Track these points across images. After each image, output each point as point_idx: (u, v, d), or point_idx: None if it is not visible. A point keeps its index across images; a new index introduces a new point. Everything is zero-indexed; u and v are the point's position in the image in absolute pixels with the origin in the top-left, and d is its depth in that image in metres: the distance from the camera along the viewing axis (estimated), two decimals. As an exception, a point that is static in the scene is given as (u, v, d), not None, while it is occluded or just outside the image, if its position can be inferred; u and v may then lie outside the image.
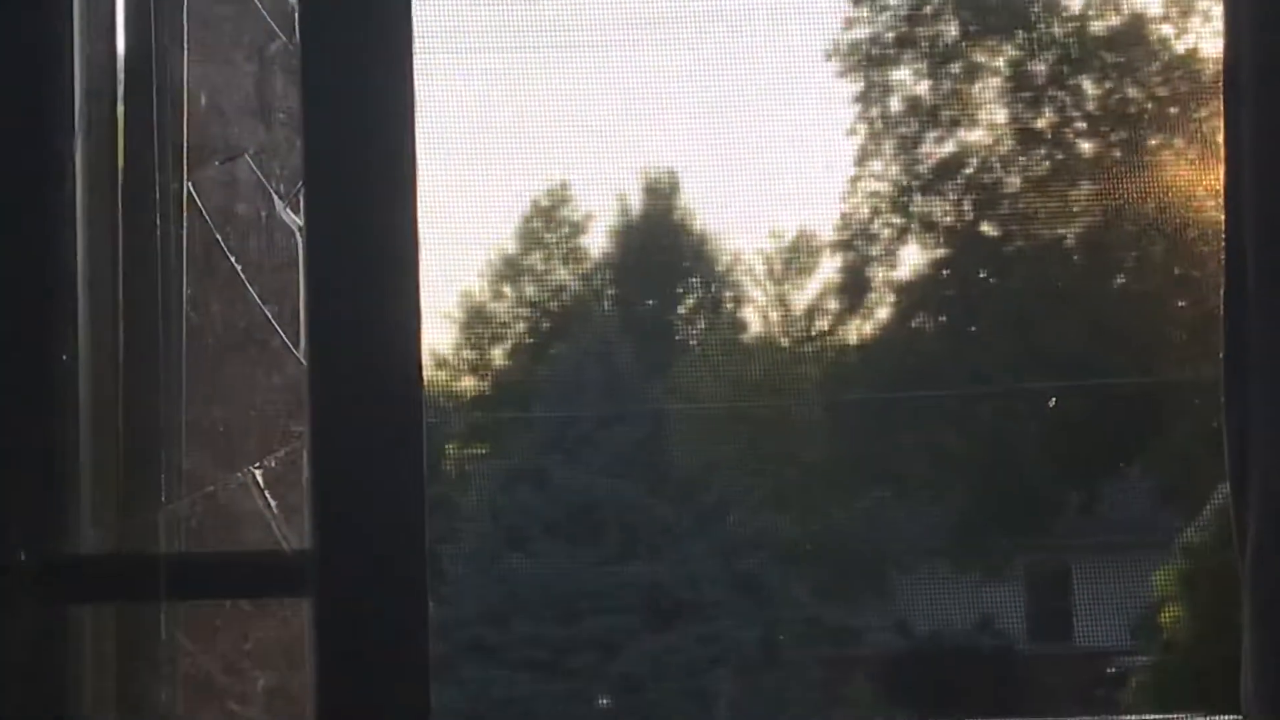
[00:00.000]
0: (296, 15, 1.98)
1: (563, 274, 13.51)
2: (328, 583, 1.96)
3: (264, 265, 2.02)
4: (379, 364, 1.97)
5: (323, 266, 1.99)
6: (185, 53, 2.04)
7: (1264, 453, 1.37)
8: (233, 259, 2.03)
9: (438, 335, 12.01)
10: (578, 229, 13.32)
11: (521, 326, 12.97)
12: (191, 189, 2.03)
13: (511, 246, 13.15)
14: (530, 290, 13.12)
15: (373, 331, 1.97)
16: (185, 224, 2.03)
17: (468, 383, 12.33)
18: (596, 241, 13.83)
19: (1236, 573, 1.43)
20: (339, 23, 1.93)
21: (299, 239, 1.98)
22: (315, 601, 1.96)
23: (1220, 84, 1.49)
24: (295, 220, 2.00)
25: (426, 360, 2.03)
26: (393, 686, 1.93)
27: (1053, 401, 12.50)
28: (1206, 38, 13.14)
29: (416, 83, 2.00)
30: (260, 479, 2.06)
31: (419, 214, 2.00)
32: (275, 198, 2.04)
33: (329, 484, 1.98)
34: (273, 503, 2.05)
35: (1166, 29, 13.10)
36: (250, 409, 2.03)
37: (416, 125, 2.03)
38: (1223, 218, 1.52)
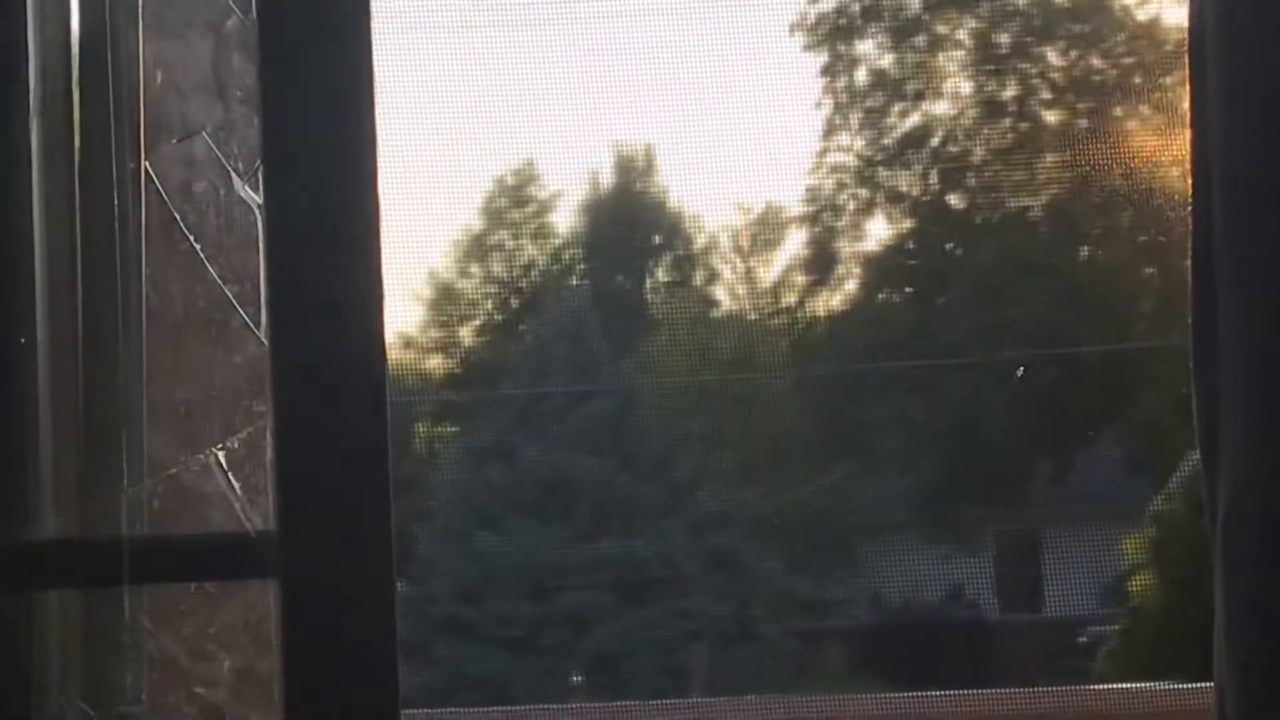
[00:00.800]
0: (254, -9, 1.96)
1: (531, 251, 13.49)
2: (293, 564, 1.94)
3: (223, 244, 2.00)
4: (342, 342, 1.95)
5: (283, 244, 1.97)
6: (141, 30, 2.01)
7: (1234, 418, 1.35)
8: (191, 238, 2.01)
9: (406, 315, 11.99)
10: (546, 206, 13.31)
11: (490, 305, 12.96)
12: (149, 168, 2.01)
13: (479, 224, 13.13)
14: (498, 268, 13.10)
15: (335, 309, 1.95)
16: (143, 203, 2.01)
17: (436, 362, 12.32)
18: (565, 218, 13.82)
19: (1208, 540, 1.42)
20: (296, -2, 1.91)
21: (258, 217, 1.96)
22: (281, 583, 1.94)
23: (1185, 51, 1.47)
24: (254, 198, 1.98)
25: (394, 340, 2.02)
26: (361, 667, 1.92)
27: (1020, 371, 12.52)
28: (1169, 5, 13.16)
29: (380, 60, 1.99)
30: (223, 460, 2.04)
31: (380, 191, 1.98)
32: (234, 175, 2.02)
33: (293, 464, 1.96)
34: (236, 484, 2.03)
35: (1130, -2, 13.12)
36: (211, 389, 2.01)
37: (377, 101, 2.00)
38: (1189, 183, 1.51)
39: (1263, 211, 1.38)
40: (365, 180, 1.96)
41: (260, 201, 1.98)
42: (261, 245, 1.98)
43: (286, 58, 1.95)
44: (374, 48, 1.97)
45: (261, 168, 1.98)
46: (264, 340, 1.98)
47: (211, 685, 2.03)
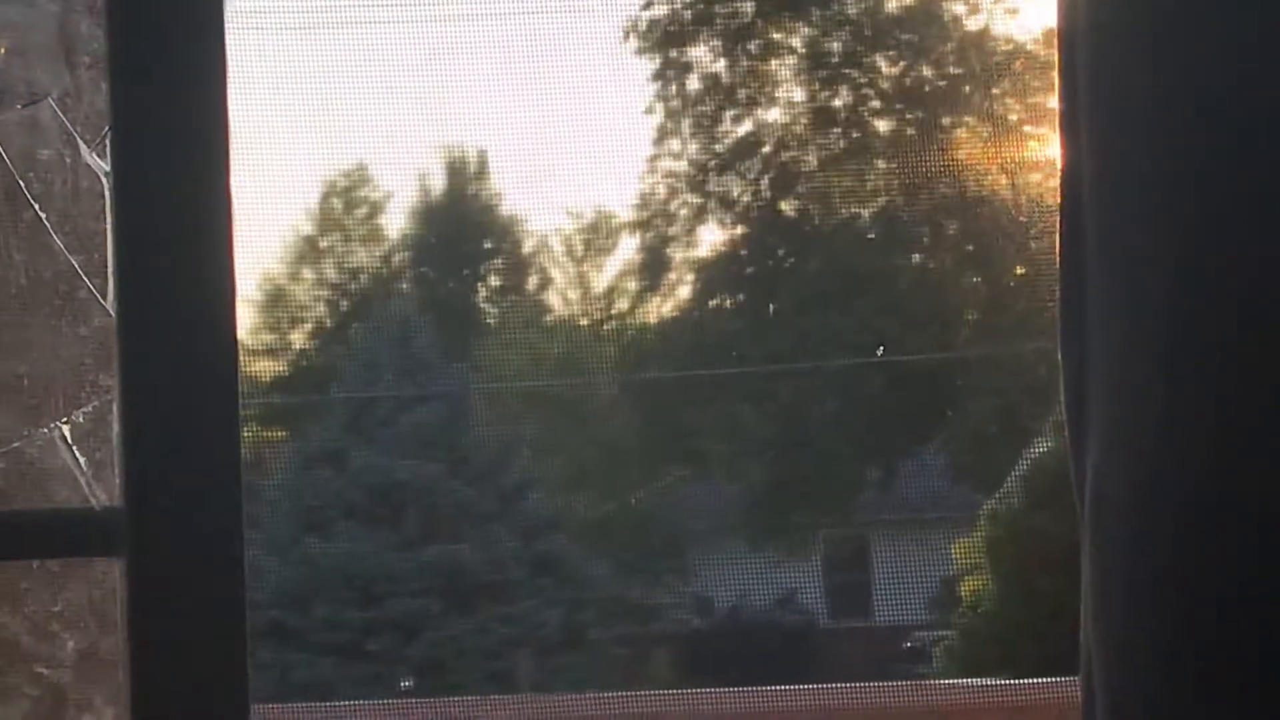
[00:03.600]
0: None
1: (362, 255, 13.40)
2: (140, 542, 1.89)
3: (69, 213, 1.95)
4: (192, 316, 1.90)
5: (132, 215, 1.92)
6: (-16, -6, 1.96)
7: (1101, 397, 1.34)
8: (36, 207, 1.95)
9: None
10: (377, 209, 13.22)
11: (321, 308, 12.85)
12: (-8, 134, 1.95)
13: (311, 227, 13.01)
14: (330, 272, 13.00)
15: (185, 282, 1.90)
16: (-14, 170, 1.95)
17: (265, 365, 12.18)
18: (396, 222, 13.73)
19: (1077, 520, 1.40)
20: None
21: (106, 185, 1.91)
22: (127, 561, 1.89)
23: (1055, 48, 1.46)
24: (102, 166, 1.93)
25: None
26: (209, 648, 1.87)
27: (880, 350, 12.58)
28: (999, 16, 13.30)
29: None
30: (68, 434, 1.98)
31: (232, 162, 1.94)
32: (80, 143, 1.96)
33: (140, 440, 1.91)
34: (81, 459, 1.98)
35: (959, 7, 13.24)
36: (56, 361, 1.95)
37: (229, 74, 1.96)
38: (1060, 178, 1.50)
39: (1132, 206, 1.37)
40: (217, 150, 1.92)
41: (108, 170, 1.93)
42: (109, 215, 1.93)
43: (136, 22, 1.91)
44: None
45: (110, 135, 1.93)
46: (110, 312, 1.92)
47: (55, 665, 1.97)
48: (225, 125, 1.93)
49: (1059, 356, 1.46)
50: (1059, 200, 1.45)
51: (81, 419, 1.97)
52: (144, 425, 1.91)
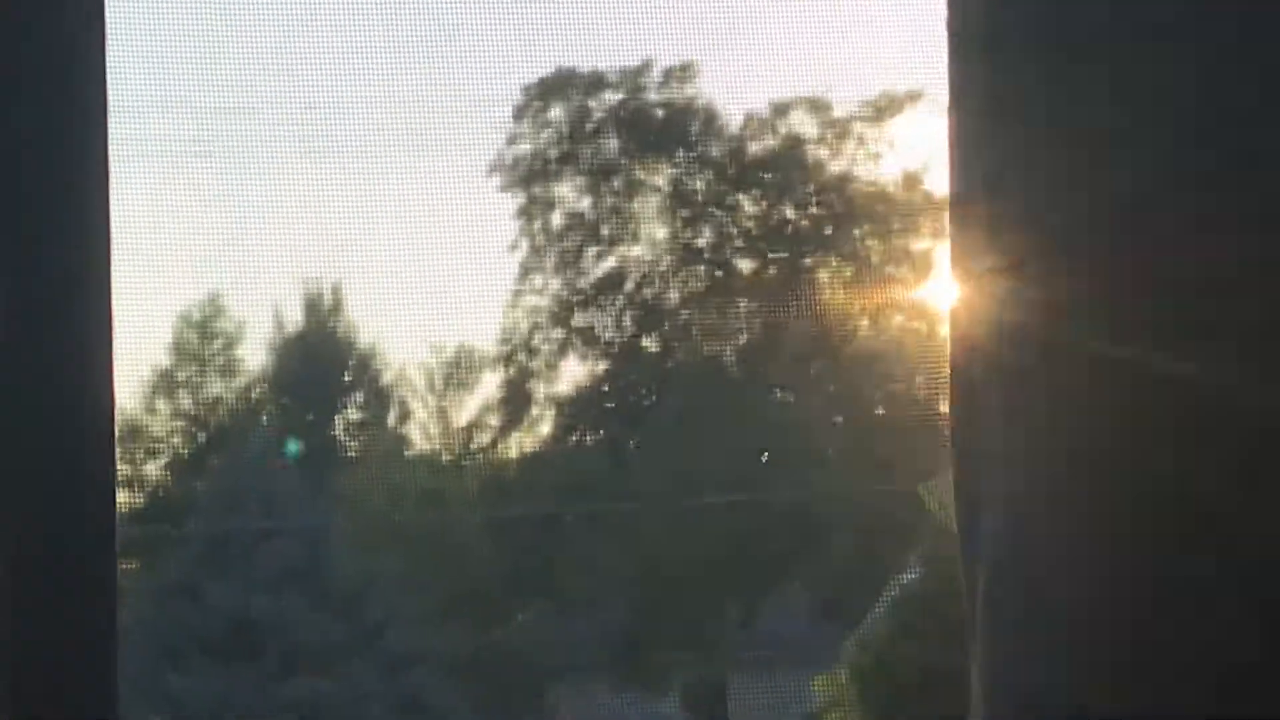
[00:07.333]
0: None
1: (219, 387, 13.29)
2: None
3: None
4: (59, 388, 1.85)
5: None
6: None
7: (995, 491, 1.33)
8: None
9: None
10: (233, 340, 13.12)
11: (177, 440, 12.72)
12: None
13: (165, 359, 12.90)
14: (186, 403, 12.88)
15: (54, 355, 1.85)
16: None
17: (121, 498, 12.01)
18: (255, 354, 13.63)
19: (963, 621, 1.37)
20: None
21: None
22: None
23: (949, 110, 1.45)
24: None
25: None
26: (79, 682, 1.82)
27: (764, 456, 12.57)
28: (861, 160, 13.45)
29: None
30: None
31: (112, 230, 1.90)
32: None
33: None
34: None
35: (823, 151, 13.39)
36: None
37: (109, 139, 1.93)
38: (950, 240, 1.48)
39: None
40: (97, 218, 1.88)
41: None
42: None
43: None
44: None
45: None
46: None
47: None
48: (106, 198, 1.90)
49: (952, 450, 1.44)
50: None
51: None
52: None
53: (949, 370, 1.43)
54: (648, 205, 13.36)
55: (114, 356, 1.91)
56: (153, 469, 12.63)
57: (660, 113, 13.47)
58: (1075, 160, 1.25)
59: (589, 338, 13.34)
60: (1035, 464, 1.30)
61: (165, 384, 12.90)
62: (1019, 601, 1.26)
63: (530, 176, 13.24)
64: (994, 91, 1.26)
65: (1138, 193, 1.17)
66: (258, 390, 13.17)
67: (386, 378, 13.40)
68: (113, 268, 1.85)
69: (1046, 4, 1.24)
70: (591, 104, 13.35)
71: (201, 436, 12.78)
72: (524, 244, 13.24)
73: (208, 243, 12.42)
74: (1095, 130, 1.18)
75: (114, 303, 1.84)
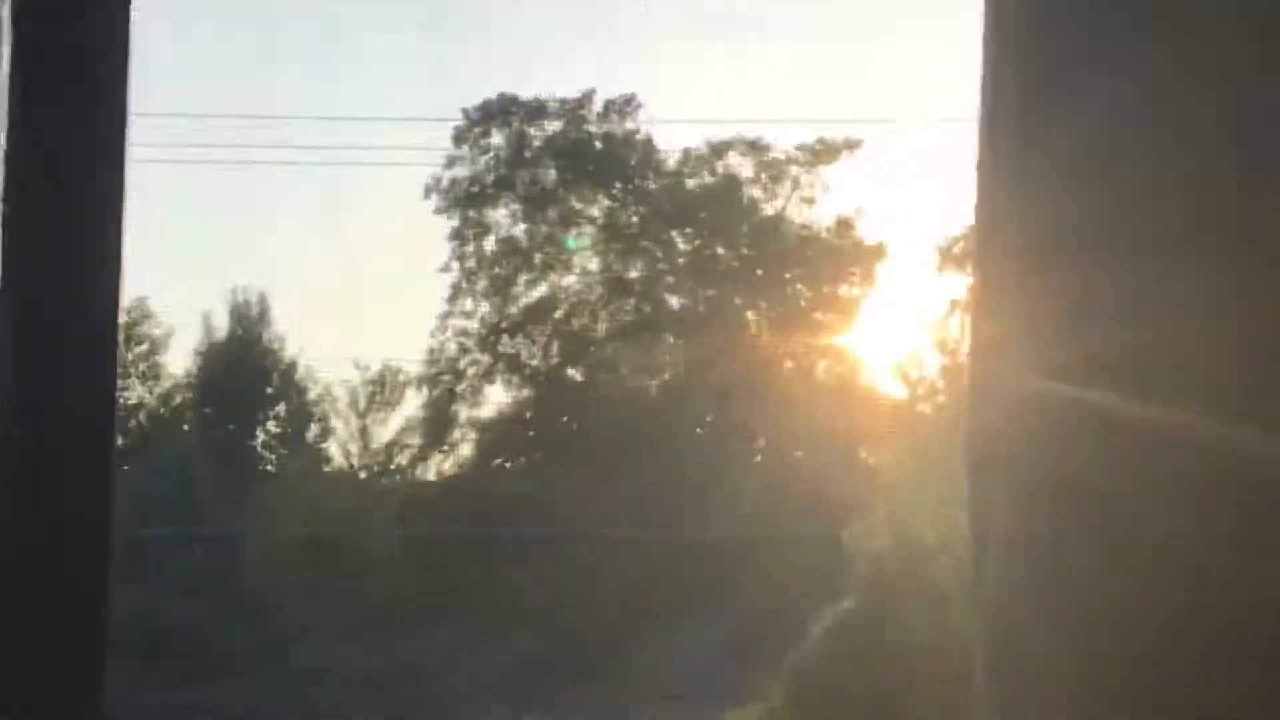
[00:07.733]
0: None
1: (140, 391, 13.20)
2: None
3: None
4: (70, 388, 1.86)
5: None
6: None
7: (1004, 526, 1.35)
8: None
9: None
10: (158, 346, 13.07)
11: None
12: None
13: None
14: (106, 405, 12.79)
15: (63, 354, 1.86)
16: None
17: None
18: (178, 361, 13.57)
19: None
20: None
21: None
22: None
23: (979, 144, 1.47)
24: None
25: None
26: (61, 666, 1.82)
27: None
28: (795, 203, 13.50)
29: None
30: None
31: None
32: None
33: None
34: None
35: (758, 192, 13.46)
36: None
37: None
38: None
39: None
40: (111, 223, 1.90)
41: None
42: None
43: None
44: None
45: None
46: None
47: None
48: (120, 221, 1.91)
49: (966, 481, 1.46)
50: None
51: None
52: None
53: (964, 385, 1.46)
54: (581, 235, 13.39)
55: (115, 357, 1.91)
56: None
57: (599, 145, 13.48)
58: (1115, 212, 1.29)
59: (515, 364, 13.33)
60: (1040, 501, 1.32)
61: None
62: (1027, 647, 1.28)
63: (466, 200, 13.25)
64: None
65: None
66: (180, 397, 13.12)
67: (310, 392, 13.38)
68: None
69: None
70: (532, 131, 13.37)
71: (119, 440, 12.73)
72: (456, 267, 13.25)
73: (134, 246, 12.38)
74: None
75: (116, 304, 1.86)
